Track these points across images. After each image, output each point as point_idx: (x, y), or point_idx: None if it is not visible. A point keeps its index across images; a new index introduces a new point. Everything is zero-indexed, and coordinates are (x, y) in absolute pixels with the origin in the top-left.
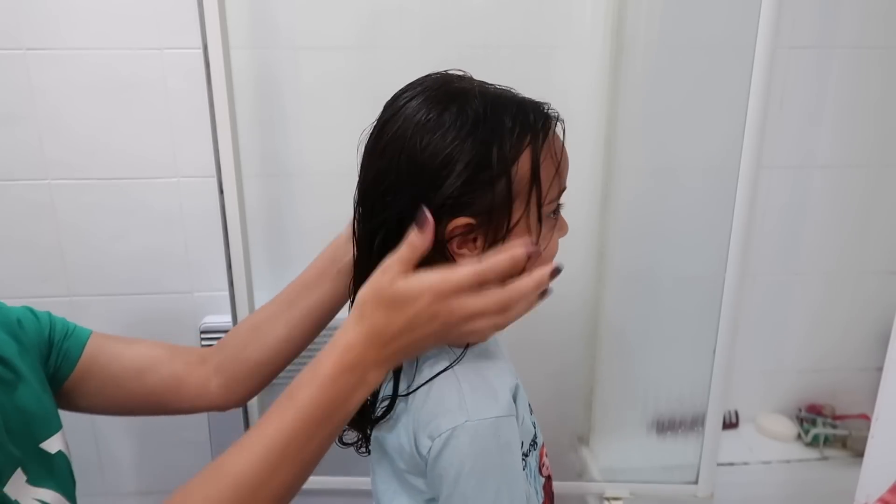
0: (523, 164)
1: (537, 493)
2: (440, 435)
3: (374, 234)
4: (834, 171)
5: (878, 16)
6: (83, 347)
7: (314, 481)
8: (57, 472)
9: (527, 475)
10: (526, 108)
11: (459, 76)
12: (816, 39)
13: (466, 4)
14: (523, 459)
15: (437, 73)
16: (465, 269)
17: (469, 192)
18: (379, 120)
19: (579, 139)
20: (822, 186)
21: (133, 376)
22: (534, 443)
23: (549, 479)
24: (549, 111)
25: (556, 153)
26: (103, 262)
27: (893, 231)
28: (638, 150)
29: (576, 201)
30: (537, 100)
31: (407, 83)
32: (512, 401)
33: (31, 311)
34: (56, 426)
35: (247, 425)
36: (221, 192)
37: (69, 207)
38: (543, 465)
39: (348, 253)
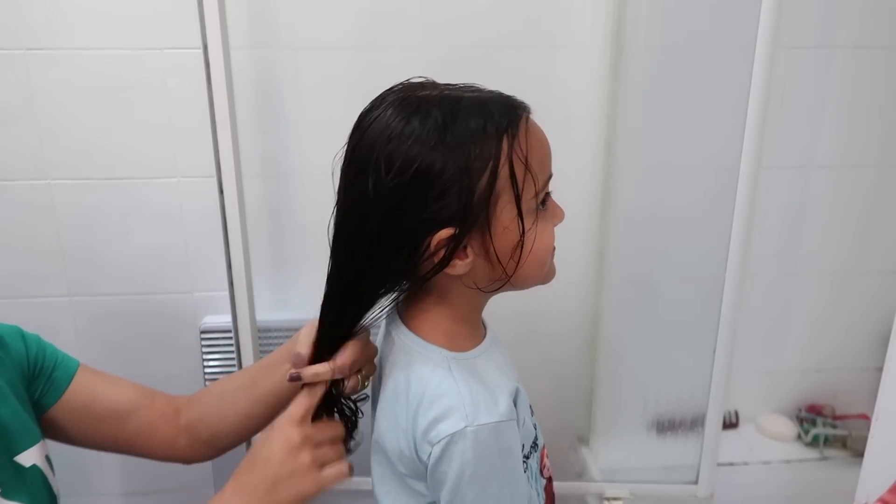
0: (495, 165)
1: (539, 494)
2: (440, 441)
3: (351, 262)
4: (834, 171)
5: (879, 16)
6: (71, 379)
7: None
8: (31, 487)
9: (528, 477)
10: (489, 107)
11: (421, 84)
12: (816, 39)
13: (466, 5)
14: (525, 462)
15: (399, 85)
16: (298, 401)
17: (445, 205)
18: (348, 144)
19: (579, 139)
20: (823, 186)
21: (113, 419)
22: (535, 444)
23: (549, 480)
24: (516, 103)
25: (524, 147)
26: (103, 262)
27: (894, 231)
28: (638, 151)
29: (576, 202)
30: (503, 93)
31: (372, 99)
32: (512, 405)
33: (20, 332)
34: (33, 440)
35: None
36: (221, 192)
37: (69, 207)
38: (544, 467)
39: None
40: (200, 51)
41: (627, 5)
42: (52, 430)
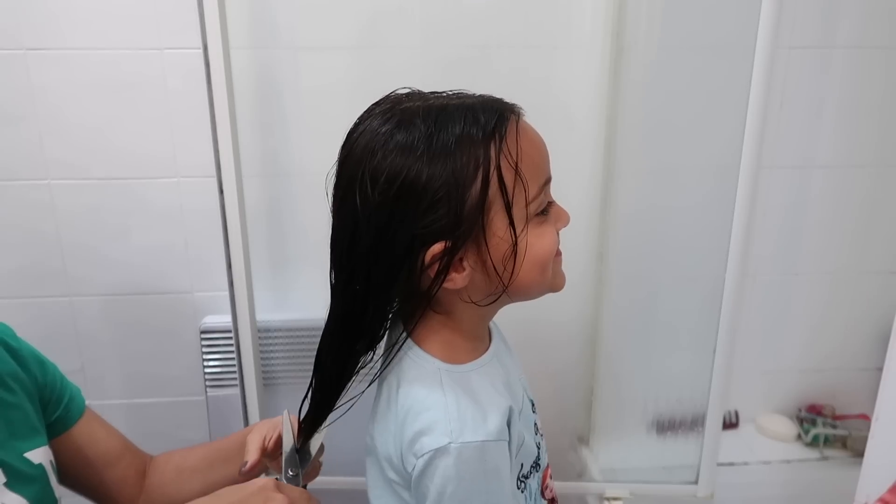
0: (485, 172)
1: None
2: (423, 455)
3: (349, 285)
4: (834, 171)
5: (879, 16)
6: (81, 414)
7: (316, 481)
8: (34, 484)
9: (526, 497)
10: (475, 112)
11: (407, 95)
12: (816, 39)
13: (467, 5)
14: (523, 481)
15: (385, 98)
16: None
17: (436, 218)
18: (338, 161)
19: (579, 140)
20: (823, 186)
21: (100, 465)
22: (536, 465)
23: (552, 501)
24: (504, 105)
25: (514, 151)
26: (103, 262)
27: (894, 231)
28: (638, 151)
29: (576, 202)
30: (493, 96)
31: (361, 113)
32: (504, 425)
33: (39, 357)
34: (41, 441)
35: (247, 425)
36: (221, 191)
37: (70, 207)
38: (546, 488)
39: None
40: (200, 51)
41: (627, 5)
42: None
